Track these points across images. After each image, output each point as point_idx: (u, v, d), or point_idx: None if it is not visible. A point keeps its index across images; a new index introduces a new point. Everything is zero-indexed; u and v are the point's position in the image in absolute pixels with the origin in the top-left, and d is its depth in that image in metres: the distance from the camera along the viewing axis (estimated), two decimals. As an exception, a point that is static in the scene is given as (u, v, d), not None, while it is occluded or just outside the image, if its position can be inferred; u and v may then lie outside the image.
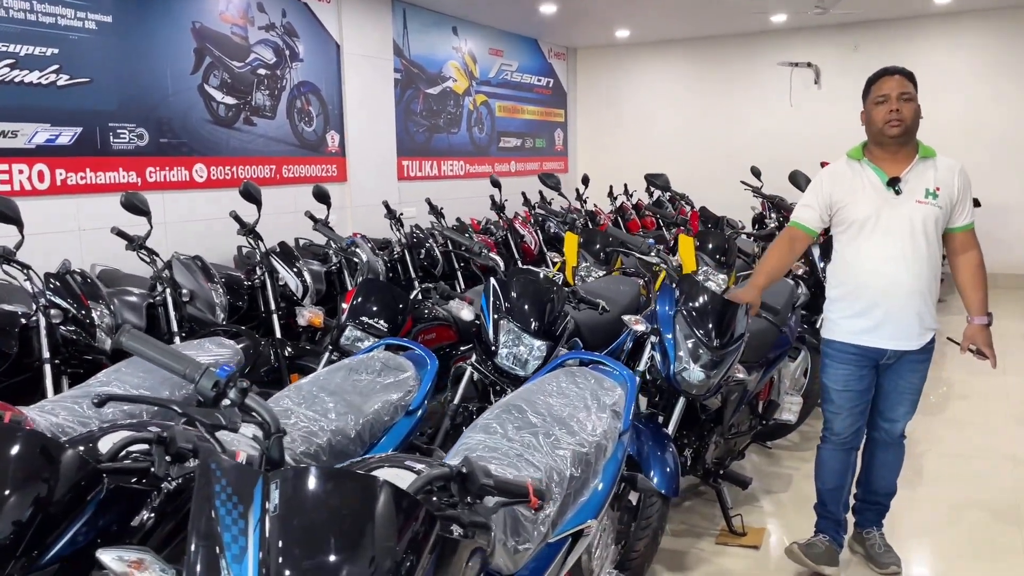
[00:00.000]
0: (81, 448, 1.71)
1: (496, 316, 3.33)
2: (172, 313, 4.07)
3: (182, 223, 6.09)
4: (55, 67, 5.22)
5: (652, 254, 3.59)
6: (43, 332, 3.47)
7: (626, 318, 3.28)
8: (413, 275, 5.81)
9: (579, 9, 9.21)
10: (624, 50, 11.75)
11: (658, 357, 3.16)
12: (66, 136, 5.34)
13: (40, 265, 4.04)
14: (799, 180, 5.83)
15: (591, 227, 6.78)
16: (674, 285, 3.28)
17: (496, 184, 7.12)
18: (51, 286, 3.69)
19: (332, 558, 1.17)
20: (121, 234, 4.27)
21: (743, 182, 8.09)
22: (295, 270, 4.82)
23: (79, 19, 5.36)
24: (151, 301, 4.16)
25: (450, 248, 5.97)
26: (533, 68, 11.10)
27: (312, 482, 1.23)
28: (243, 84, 6.65)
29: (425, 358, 2.85)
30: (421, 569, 1.26)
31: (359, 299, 3.66)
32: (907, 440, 3.34)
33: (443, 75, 9.26)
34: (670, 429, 3.16)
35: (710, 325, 3.13)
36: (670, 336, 3.13)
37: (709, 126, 11.22)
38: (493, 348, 3.31)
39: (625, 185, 9.64)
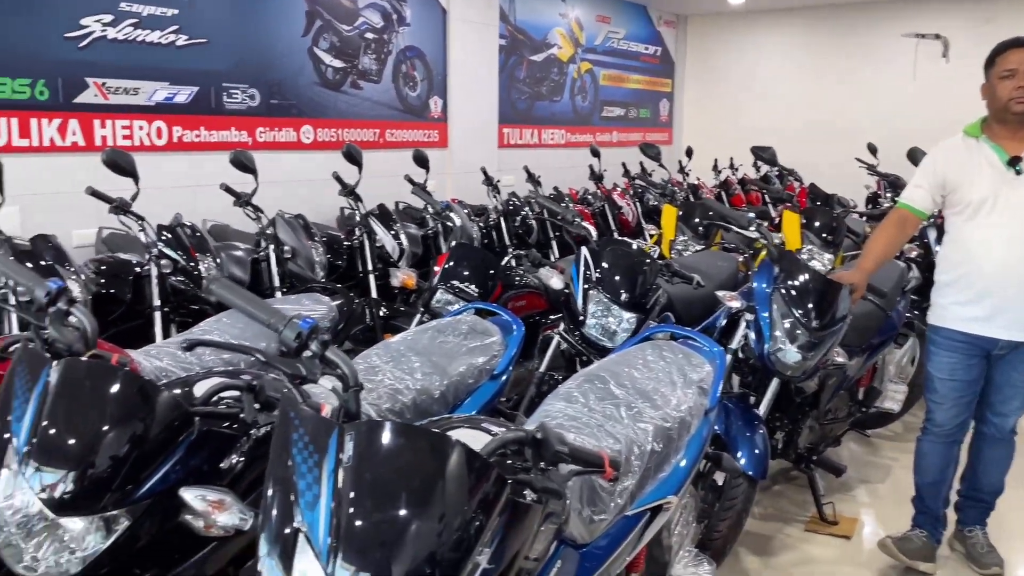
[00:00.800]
0: (177, 391, 1.78)
1: (586, 286, 3.29)
2: (274, 268, 4.21)
3: (290, 182, 6.26)
4: (175, 28, 5.44)
5: (752, 229, 3.45)
6: (154, 281, 3.66)
7: (720, 294, 3.17)
8: (507, 242, 5.81)
9: (691, -25, 8.93)
10: (738, 18, 11.33)
11: (752, 336, 3.03)
12: (183, 95, 5.56)
13: (157, 218, 4.25)
14: (917, 157, 5.50)
15: (691, 200, 6.61)
16: (773, 262, 3.15)
17: (595, 153, 7.02)
18: (163, 238, 3.87)
19: (401, 512, 1.18)
20: (228, 190, 4.43)
21: (858, 159, 7.72)
22: (392, 232, 4.90)
23: (198, -19, 5.56)
24: (255, 256, 4.31)
25: (545, 217, 5.94)
26: (641, 36, 10.85)
27: (386, 436, 1.24)
28: (351, 48, 6.76)
29: (512, 324, 2.84)
30: (490, 530, 1.25)
31: (451, 263, 3.69)
32: (1018, 436, 3.14)
33: (548, 42, 9.17)
34: (761, 410, 3.06)
35: (810, 305, 2.97)
36: (766, 315, 3.00)
37: (824, 100, 10.70)
38: (581, 318, 3.27)
39: (731, 159, 9.35)
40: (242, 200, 4.36)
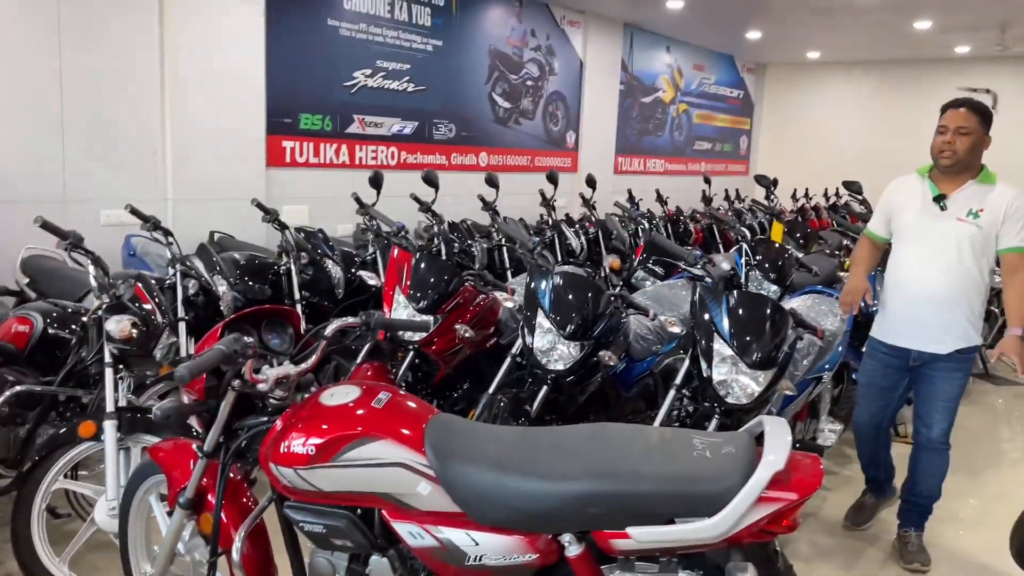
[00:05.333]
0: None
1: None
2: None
3: (467, 196, 8.01)
4: (407, 78, 7.32)
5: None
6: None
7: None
8: (560, 256, 6.60)
9: (780, 34, 10.63)
10: (811, 68, 13.02)
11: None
12: (408, 128, 7.43)
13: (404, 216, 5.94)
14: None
15: (800, 220, 8.25)
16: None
17: (707, 181, 8.69)
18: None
19: (760, 322, 2.93)
20: (416, 199, 5.51)
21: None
22: (468, 244, 6.06)
23: (423, 44, 7.43)
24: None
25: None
26: (727, 81, 12.60)
27: (748, 298, 3.00)
28: (516, 93, 8.61)
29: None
30: (787, 339, 3.01)
31: (645, 254, 5.45)
32: (951, 449, 3.38)
33: (655, 87, 10.96)
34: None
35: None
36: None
37: (887, 142, 12.28)
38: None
39: (807, 189, 11.01)
40: (425, 206, 5.43)
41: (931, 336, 3.20)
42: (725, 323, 2.96)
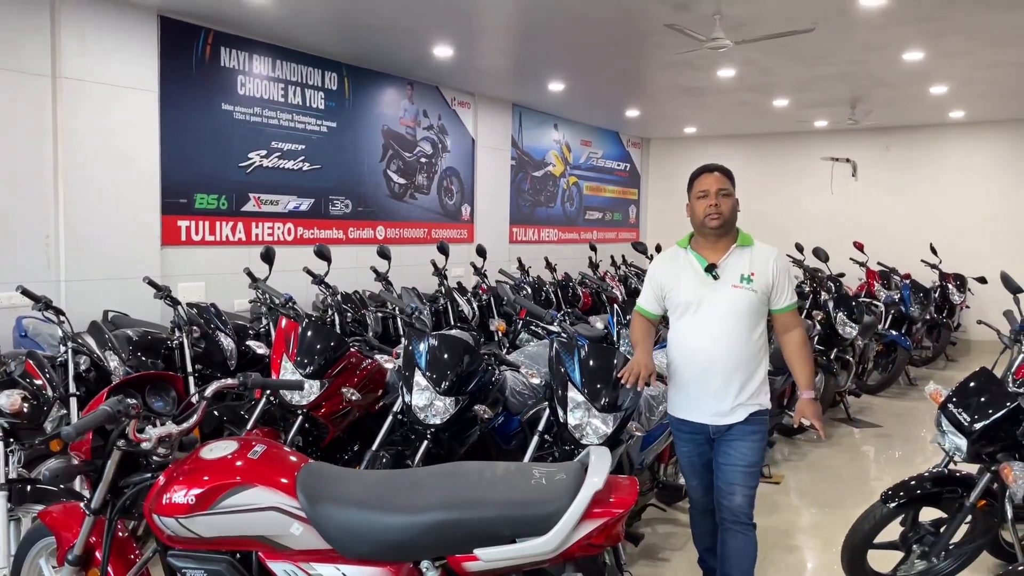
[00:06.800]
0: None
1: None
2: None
3: (365, 268, 8.33)
4: (302, 158, 7.64)
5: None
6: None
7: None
8: (452, 321, 7.24)
9: (657, 112, 11.47)
10: (690, 141, 14.00)
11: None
12: (304, 205, 7.71)
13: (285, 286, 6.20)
14: (820, 254, 7.89)
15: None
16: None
17: (593, 248, 9.26)
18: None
19: (607, 371, 3.29)
20: (309, 272, 5.84)
21: (788, 255, 10.09)
22: (362, 313, 6.40)
23: (317, 125, 7.79)
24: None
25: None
26: (614, 155, 13.41)
27: (599, 348, 3.36)
28: (411, 169, 9.03)
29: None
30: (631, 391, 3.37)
31: (527, 319, 5.83)
32: (757, 528, 3.21)
33: (545, 161, 11.60)
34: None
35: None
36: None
37: (761, 208, 13.15)
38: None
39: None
40: (317, 279, 5.65)
41: (725, 408, 3.14)
42: (577, 373, 3.33)
